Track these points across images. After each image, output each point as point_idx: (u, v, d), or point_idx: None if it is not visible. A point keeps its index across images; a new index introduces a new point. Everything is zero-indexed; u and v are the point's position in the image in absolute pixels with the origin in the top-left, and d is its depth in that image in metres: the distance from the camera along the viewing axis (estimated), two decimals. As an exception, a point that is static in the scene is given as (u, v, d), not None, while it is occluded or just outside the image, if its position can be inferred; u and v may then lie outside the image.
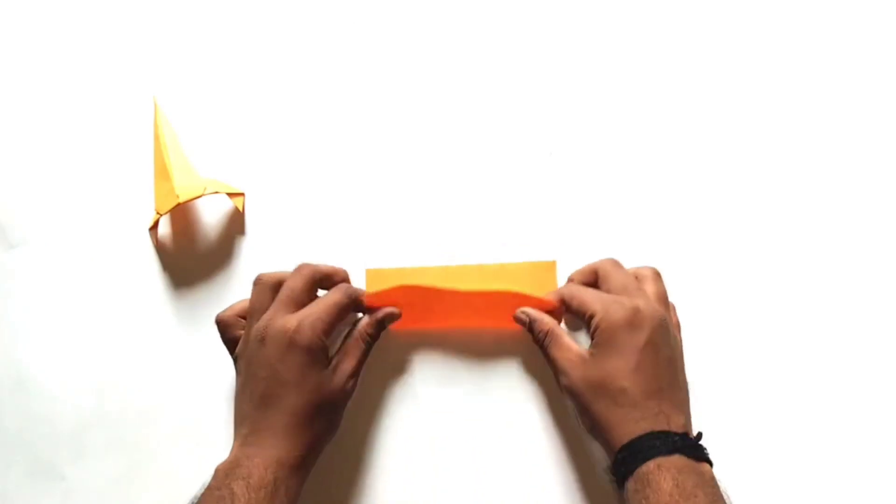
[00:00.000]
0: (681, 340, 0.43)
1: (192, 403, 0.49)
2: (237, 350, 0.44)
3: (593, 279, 0.44)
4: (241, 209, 0.50)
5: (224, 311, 0.45)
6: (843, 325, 0.46)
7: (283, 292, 0.43)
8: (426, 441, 0.47)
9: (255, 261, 0.50)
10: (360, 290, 0.45)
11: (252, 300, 0.44)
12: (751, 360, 0.46)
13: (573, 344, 0.42)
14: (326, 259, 0.49)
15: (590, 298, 0.41)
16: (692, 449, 0.37)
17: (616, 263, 0.44)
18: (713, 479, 0.37)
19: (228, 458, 0.40)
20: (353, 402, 0.44)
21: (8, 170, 0.54)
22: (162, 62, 0.54)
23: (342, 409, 0.43)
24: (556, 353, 0.42)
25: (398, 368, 0.48)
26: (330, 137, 0.51)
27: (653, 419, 0.38)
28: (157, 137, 0.51)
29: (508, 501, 0.45)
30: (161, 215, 0.49)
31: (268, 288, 0.44)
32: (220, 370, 0.49)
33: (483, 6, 0.52)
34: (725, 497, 0.37)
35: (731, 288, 0.47)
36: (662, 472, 0.36)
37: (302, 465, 0.40)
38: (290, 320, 0.41)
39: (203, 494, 0.38)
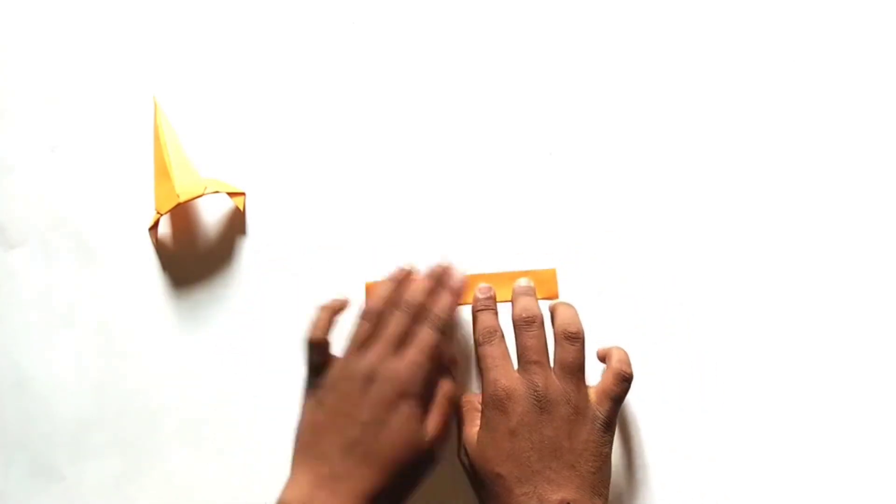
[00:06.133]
0: (581, 406, 0.39)
1: (192, 404, 0.49)
2: (325, 378, 0.41)
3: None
4: (241, 209, 0.50)
5: (315, 331, 0.42)
6: (843, 326, 0.46)
7: (392, 330, 0.41)
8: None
9: (255, 261, 0.50)
10: (447, 316, 0.42)
11: (360, 331, 0.42)
12: (749, 361, 0.46)
13: (478, 419, 0.41)
14: (326, 260, 0.49)
15: (485, 366, 0.41)
16: None
17: (528, 321, 0.41)
18: None
19: (297, 492, 0.38)
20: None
21: (8, 170, 0.54)
22: (162, 62, 0.54)
23: (423, 476, 0.40)
24: (463, 427, 0.42)
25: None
26: (330, 137, 0.51)
27: None
28: (157, 137, 0.51)
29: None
30: (161, 215, 0.49)
31: (374, 320, 0.42)
32: (220, 370, 0.49)
33: (483, 7, 0.52)
34: None
35: (732, 289, 0.47)
36: None
37: None
38: (400, 367, 0.39)
39: None
